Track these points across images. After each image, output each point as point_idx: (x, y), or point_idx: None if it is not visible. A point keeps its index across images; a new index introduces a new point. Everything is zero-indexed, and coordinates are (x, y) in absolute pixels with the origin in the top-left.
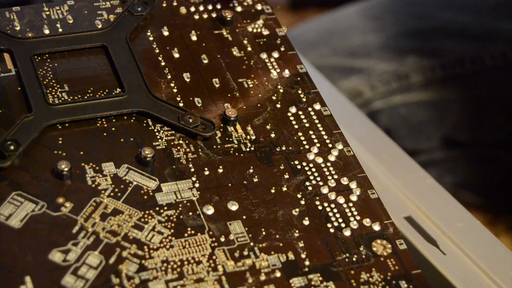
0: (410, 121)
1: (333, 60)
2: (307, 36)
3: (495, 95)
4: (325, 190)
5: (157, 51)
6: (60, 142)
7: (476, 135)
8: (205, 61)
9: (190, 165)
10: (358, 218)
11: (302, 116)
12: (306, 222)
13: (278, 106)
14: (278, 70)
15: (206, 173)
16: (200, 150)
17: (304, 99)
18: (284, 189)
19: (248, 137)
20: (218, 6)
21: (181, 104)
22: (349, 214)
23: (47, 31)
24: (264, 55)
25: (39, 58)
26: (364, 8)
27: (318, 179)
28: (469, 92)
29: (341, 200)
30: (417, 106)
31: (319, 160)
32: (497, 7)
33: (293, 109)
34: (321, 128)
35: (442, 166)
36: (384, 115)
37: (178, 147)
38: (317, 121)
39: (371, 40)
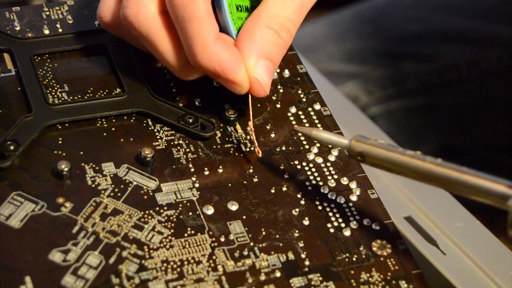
0: (408, 127)
1: (329, 65)
2: (303, 41)
3: (492, 99)
4: (325, 190)
5: None
6: (60, 142)
7: (473, 139)
8: None
9: (190, 165)
10: (358, 218)
11: (302, 116)
12: (306, 222)
13: (278, 106)
14: (278, 70)
15: (206, 173)
16: (200, 150)
17: (304, 99)
18: (284, 189)
19: (248, 137)
20: None
21: (181, 104)
22: (349, 214)
23: (47, 31)
24: None
25: (39, 58)
26: (360, 12)
27: (318, 179)
28: (465, 96)
29: (341, 200)
30: (414, 111)
31: (319, 160)
32: (493, 11)
33: (293, 109)
34: (321, 128)
35: None
36: (381, 120)
37: (178, 147)
38: (317, 121)
39: (367, 44)
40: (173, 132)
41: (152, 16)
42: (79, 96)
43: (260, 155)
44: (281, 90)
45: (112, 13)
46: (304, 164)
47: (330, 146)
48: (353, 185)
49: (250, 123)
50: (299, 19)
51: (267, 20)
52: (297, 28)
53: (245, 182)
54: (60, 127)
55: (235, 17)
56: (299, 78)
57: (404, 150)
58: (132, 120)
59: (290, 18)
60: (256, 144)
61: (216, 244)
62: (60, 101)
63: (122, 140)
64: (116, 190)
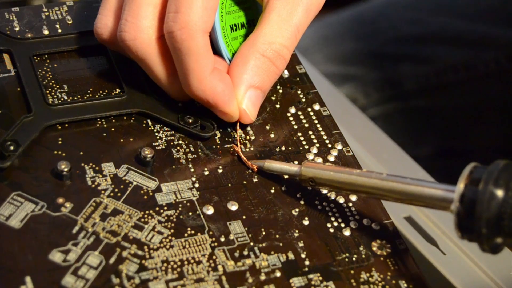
0: (405, 129)
1: (326, 67)
2: (300, 43)
3: (489, 101)
4: (324, 190)
5: None
6: (60, 142)
7: (471, 141)
8: None
9: (190, 165)
10: (358, 218)
11: (302, 116)
12: (306, 222)
13: (278, 106)
14: None
15: (206, 173)
16: (200, 150)
17: (304, 99)
18: (284, 189)
19: (248, 137)
20: None
21: (180, 104)
22: (349, 214)
23: (46, 32)
24: None
25: (38, 58)
26: (357, 14)
27: None
28: (463, 98)
29: (341, 200)
30: (412, 113)
31: (319, 160)
32: (490, 13)
33: (292, 109)
34: (320, 128)
35: (440, 173)
36: (379, 122)
37: (178, 147)
38: (316, 121)
39: (364, 46)
40: (173, 132)
41: (149, 41)
42: (79, 96)
43: (256, 170)
44: (281, 90)
45: (109, 32)
46: None
47: (329, 146)
48: None
49: (237, 148)
50: (294, 44)
51: (262, 48)
52: (292, 52)
53: (245, 182)
54: (60, 127)
55: (229, 39)
56: (298, 79)
57: (351, 170)
58: (131, 120)
59: (285, 44)
60: (249, 163)
61: (216, 244)
62: (60, 101)
63: (122, 140)
64: (116, 190)
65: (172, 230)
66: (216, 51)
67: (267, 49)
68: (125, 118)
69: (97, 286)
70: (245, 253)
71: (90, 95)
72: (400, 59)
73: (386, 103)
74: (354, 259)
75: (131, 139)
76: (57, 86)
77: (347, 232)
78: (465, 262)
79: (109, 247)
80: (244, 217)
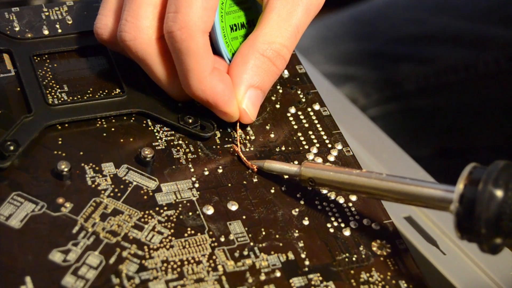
0: (405, 129)
1: (326, 67)
2: (300, 43)
3: (489, 101)
4: (324, 190)
5: None
6: (60, 142)
7: (471, 141)
8: None
9: (190, 165)
10: (357, 218)
11: (302, 117)
12: (306, 222)
13: (278, 106)
14: None
15: (206, 173)
16: (199, 150)
17: (304, 99)
18: (284, 189)
19: (248, 137)
20: None
21: (180, 104)
22: (349, 214)
23: (46, 32)
24: None
25: (38, 58)
26: (357, 14)
27: None
28: (463, 98)
29: (341, 200)
30: (412, 113)
31: (319, 160)
32: (490, 13)
33: (292, 109)
34: (320, 128)
35: (440, 173)
36: (379, 122)
37: (178, 147)
38: (316, 121)
39: (364, 46)
40: (173, 132)
41: (149, 42)
42: (79, 96)
43: (256, 170)
44: (281, 91)
45: (109, 32)
46: None
47: (329, 146)
48: None
49: (237, 148)
50: (294, 44)
51: (262, 48)
52: (292, 52)
53: (245, 182)
54: (60, 127)
55: (228, 39)
56: (298, 79)
57: (351, 170)
58: (131, 120)
59: (285, 44)
60: (249, 163)
61: (216, 244)
62: (60, 101)
63: (122, 140)
64: (116, 190)
65: (172, 230)
66: (216, 51)
67: (267, 49)
68: (125, 118)
69: (97, 286)
70: (245, 253)
71: (90, 95)
72: (400, 59)
73: (386, 103)
74: (354, 259)
75: (131, 139)
76: (57, 86)
77: (347, 232)
78: (465, 262)
79: (109, 247)
80: (244, 217)
